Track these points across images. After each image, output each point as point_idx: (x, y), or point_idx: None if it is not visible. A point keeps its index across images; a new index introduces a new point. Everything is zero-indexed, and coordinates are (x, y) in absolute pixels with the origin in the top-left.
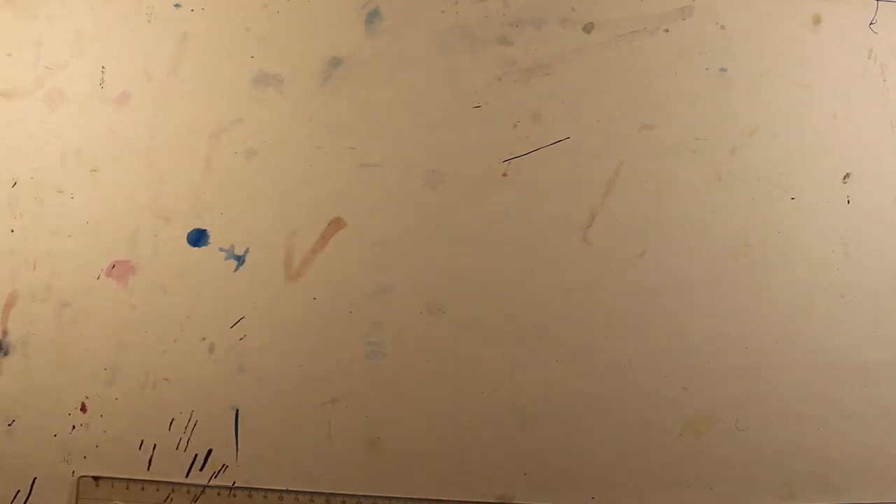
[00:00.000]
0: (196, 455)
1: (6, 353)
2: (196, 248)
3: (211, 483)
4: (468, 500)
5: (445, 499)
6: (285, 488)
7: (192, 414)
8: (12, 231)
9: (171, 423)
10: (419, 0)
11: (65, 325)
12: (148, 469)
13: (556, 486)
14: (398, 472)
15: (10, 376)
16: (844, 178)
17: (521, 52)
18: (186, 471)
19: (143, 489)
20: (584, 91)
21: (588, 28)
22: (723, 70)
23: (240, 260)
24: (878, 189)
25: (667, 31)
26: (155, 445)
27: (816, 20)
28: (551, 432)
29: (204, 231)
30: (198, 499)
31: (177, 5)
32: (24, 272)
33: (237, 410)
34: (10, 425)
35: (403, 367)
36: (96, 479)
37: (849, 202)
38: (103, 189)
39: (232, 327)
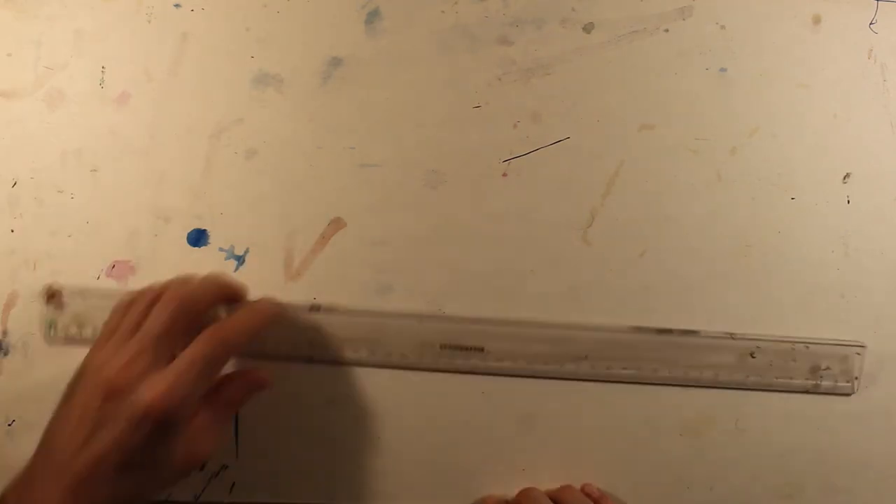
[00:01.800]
0: None
1: (6, 353)
2: (196, 248)
3: (211, 483)
4: (468, 500)
5: (445, 499)
6: (285, 501)
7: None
8: (12, 231)
9: None
10: (419, 0)
11: None
12: None
13: (556, 486)
14: (398, 473)
15: (10, 376)
16: (844, 178)
17: (521, 52)
18: None
19: None
20: (584, 91)
21: (588, 28)
22: (723, 70)
23: (240, 260)
24: (878, 189)
25: (667, 31)
26: None
27: (816, 20)
28: (551, 432)
29: (204, 231)
30: (198, 498)
31: (177, 5)
32: (24, 272)
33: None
34: (9, 425)
35: (403, 373)
36: None
37: (849, 202)
38: (103, 189)
39: None
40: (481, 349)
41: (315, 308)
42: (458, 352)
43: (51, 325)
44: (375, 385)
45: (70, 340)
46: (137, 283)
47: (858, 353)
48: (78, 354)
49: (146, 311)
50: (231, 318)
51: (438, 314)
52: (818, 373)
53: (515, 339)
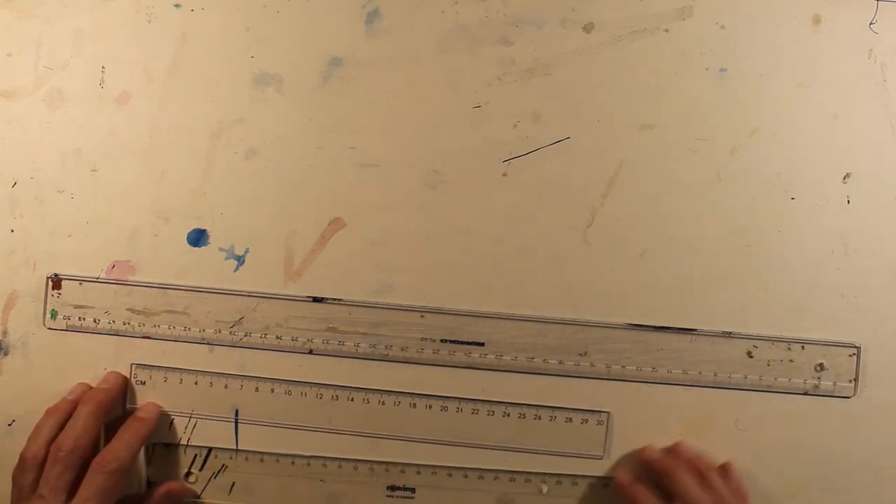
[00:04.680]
0: (196, 455)
1: (6, 353)
2: (196, 248)
3: (211, 483)
4: (469, 500)
5: (446, 499)
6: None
7: (192, 414)
8: (12, 231)
9: (170, 423)
10: (419, 0)
11: None
12: (147, 469)
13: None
14: (398, 471)
15: (10, 376)
16: (844, 178)
17: (521, 52)
18: (186, 471)
19: None
20: (584, 91)
21: (588, 28)
22: (723, 70)
23: (240, 260)
24: (878, 189)
25: (667, 31)
26: (155, 445)
27: (816, 20)
28: (551, 432)
29: (204, 231)
30: (198, 498)
31: (177, 5)
32: (24, 272)
33: (237, 410)
34: (9, 425)
35: (403, 367)
36: None
37: (849, 202)
38: (103, 189)
39: (232, 327)
40: (481, 344)
41: (318, 299)
42: (459, 346)
43: (53, 314)
44: (376, 379)
45: (70, 328)
46: (137, 282)
47: (858, 354)
48: (77, 343)
49: None
50: (113, 442)
51: (439, 309)
52: (818, 373)
53: (516, 334)
